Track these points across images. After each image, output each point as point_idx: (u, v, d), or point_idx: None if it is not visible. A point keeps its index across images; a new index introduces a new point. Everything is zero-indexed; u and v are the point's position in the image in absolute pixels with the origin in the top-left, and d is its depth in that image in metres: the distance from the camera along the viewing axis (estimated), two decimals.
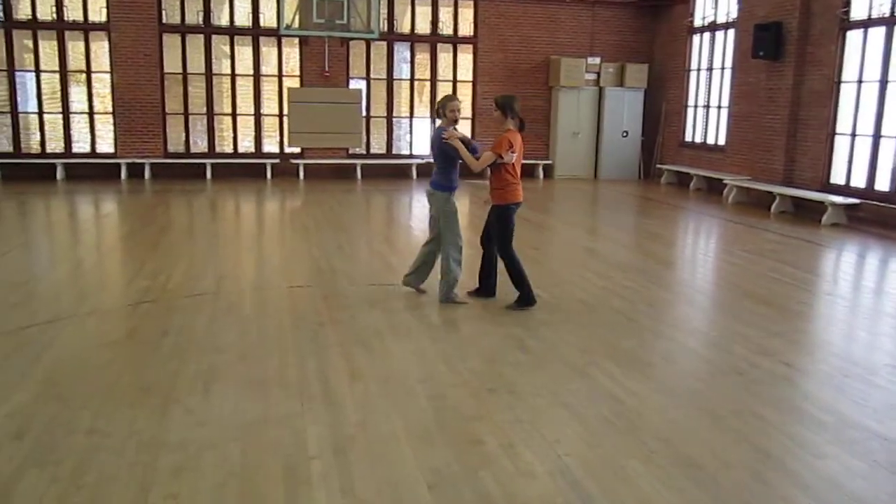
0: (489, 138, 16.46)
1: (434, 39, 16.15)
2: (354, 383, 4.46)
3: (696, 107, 15.67)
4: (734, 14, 14.11)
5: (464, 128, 16.58)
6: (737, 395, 4.47)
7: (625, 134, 16.69)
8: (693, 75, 15.71)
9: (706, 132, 15.32)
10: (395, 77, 16.21)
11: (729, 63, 14.36)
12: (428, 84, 16.40)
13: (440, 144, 6.12)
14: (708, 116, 15.26)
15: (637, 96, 16.59)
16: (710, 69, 15.13)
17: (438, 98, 6.70)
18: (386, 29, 15.64)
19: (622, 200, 13.79)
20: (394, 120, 16.37)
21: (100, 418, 3.90)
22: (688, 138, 15.94)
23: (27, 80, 14.92)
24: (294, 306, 6.11)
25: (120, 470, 3.37)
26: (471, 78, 16.42)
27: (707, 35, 15.18)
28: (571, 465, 3.53)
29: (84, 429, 3.77)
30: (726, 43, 14.54)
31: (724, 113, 14.48)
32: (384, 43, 15.83)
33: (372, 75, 16.05)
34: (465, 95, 16.45)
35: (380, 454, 3.59)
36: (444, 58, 16.36)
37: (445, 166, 6.23)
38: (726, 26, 14.48)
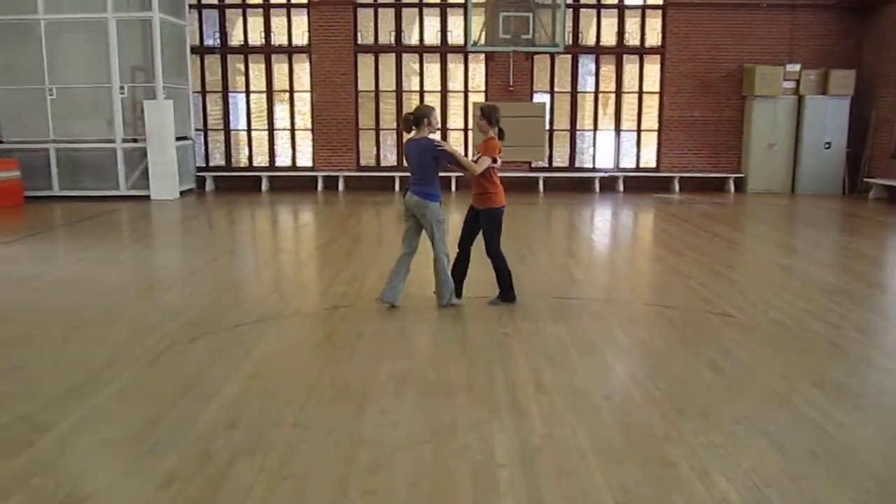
0: (673, 149, 15.99)
1: (620, 51, 15.90)
2: (540, 395, 4.46)
3: None
4: None
5: (650, 140, 16.20)
6: None
7: (827, 145, 15.51)
8: None
9: None
10: (579, 90, 16.12)
11: None
12: (613, 96, 16.15)
13: (434, 153, 6.09)
14: None
15: (842, 104, 15.37)
16: None
17: (412, 108, 6.40)
18: (571, 42, 15.61)
19: (823, 216, 12.81)
20: (577, 133, 16.26)
21: (303, 413, 4.17)
22: None
23: (238, 101, 16.39)
24: (480, 316, 6.22)
25: (321, 463, 3.59)
26: (657, 89, 15.99)
27: None
28: (772, 497, 3.31)
29: (289, 422, 4.04)
30: None
31: None
32: (569, 56, 15.80)
33: (556, 88, 16.07)
34: (650, 107, 16.06)
35: (567, 468, 3.56)
36: (630, 69, 16.06)
37: (432, 176, 6.18)
38: None
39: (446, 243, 6.33)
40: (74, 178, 14.51)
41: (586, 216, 12.91)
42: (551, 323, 6.00)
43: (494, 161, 6.29)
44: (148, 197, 14.24)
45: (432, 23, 15.88)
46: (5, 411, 4.21)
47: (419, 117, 6.17)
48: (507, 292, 6.53)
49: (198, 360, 5.13)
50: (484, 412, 4.19)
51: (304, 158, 16.36)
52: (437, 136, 6.41)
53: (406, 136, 6.40)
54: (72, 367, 4.96)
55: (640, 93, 16.10)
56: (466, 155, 6.52)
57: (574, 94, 16.12)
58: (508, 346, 5.40)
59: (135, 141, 14.46)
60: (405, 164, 6.40)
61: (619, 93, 16.12)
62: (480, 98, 15.90)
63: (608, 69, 16.10)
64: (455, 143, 16.35)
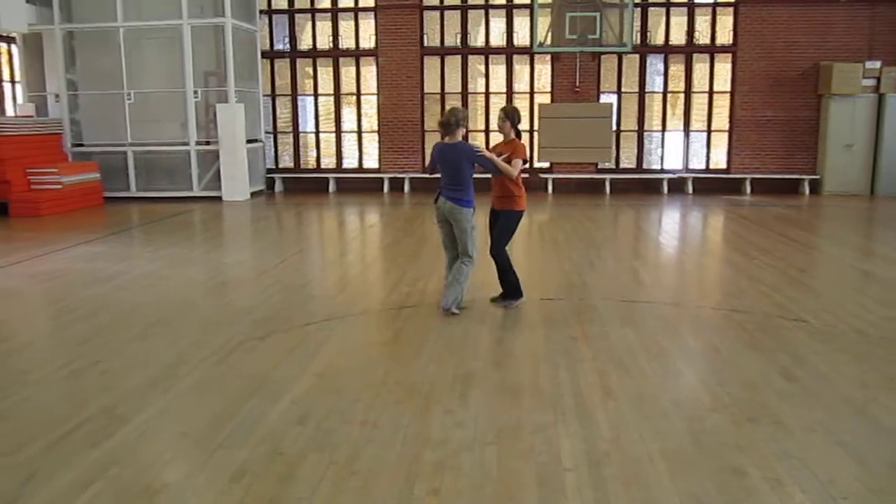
0: (745, 150, 15.57)
1: (690, 49, 15.58)
2: (607, 399, 4.41)
3: None
4: None
5: (721, 141, 15.84)
6: None
7: None
8: None
9: None
10: (646, 90, 15.87)
11: None
12: (682, 96, 15.85)
13: (473, 158, 5.93)
14: None
15: None
16: None
17: (448, 110, 6.09)
18: (639, 41, 15.39)
19: None
20: (645, 134, 16.02)
21: (370, 411, 4.22)
22: None
23: (307, 103, 16.70)
24: (546, 318, 6.18)
25: (388, 461, 3.63)
26: (728, 88, 15.61)
27: None
28: None
29: (357, 420, 4.10)
30: None
31: None
32: (636, 56, 15.57)
33: (623, 89, 15.86)
34: (721, 107, 15.71)
35: (635, 473, 3.52)
36: (700, 68, 15.73)
37: (468, 182, 6.00)
38: None
39: (478, 249, 6.22)
40: (150, 180, 15.05)
41: (654, 218, 12.70)
42: (619, 326, 5.93)
43: (525, 162, 6.23)
44: (220, 198, 14.64)
45: (498, 24, 15.87)
46: (87, 403, 4.39)
47: (459, 121, 5.99)
48: (516, 292, 6.44)
49: (268, 357, 5.24)
50: (550, 415, 4.17)
51: (371, 160, 16.55)
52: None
53: (438, 141, 6.20)
54: (148, 362, 5.14)
55: (711, 92, 15.75)
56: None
57: (642, 94, 15.87)
58: (575, 350, 5.36)
59: (207, 143, 14.87)
60: (438, 169, 6.18)
61: (688, 92, 15.80)
62: (546, 99, 15.82)
63: (677, 68, 15.81)
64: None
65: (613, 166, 16.03)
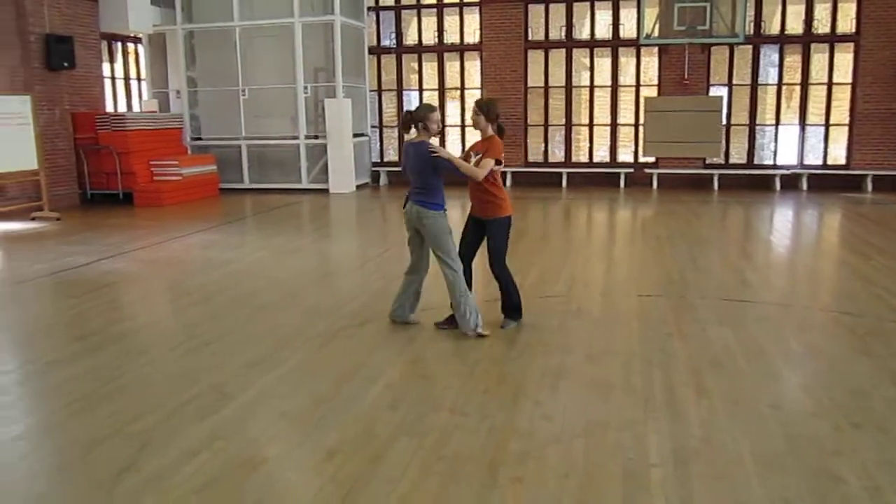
0: (866, 145, 14.73)
1: (807, 39, 14.87)
2: (700, 398, 4.33)
3: None
4: None
5: (840, 135, 15.05)
6: None
7: None
8: None
9: None
10: (759, 82, 15.26)
11: None
12: (798, 88, 15.15)
13: (429, 159, 5.39)
14: None
15: None
16: None
17: (416, 107, 5.42)
18: (752, 31, 14.82)
19: None
20: (757, 128, 15.42)
21: (459, 399, 4.32)
22: None
23: (412, 98, 16.97)
24: (642, 314, 6.11)
25: (474, 448, 3.71)
26: (849, 80, 14.80)
27: None
28: None
29: (446, 407, 4.21)
30: None
31: None
32: (749, 46, 15.00)
33: (734, 81, 15.32)
34: (841, 100, 14.94)
35: (723, 473, 3.46)
36: (819, 59, 14.99)
37: (433, 184, 5.49)
38: None
39: (455, 259, 5.62)
40: (262, 172, 15.70)
41: (764, 216, 12.22)
42: (717, 325, 5.79)
43: (498, 163, 5.61)
44: (326, 190, 15.11)
45: (604, 16, 15.64)
46: (198, 381, 4.69)
47: (416, 119, 5.47)
48: (515, 312, 5.81)
49: (365, 343, 5.43)
50: (639, 412, 4.14)
51: None
52: (435, 140, 5.79)
53: (407, 137, 5.78)
54: (254, 344, 5.43)
55: (830, 84, 14.98)
56: (466, 157, 5.88)
57: (754, 86, 15.28)
58: (670, 347, 5.28)
59: (316, 138, 15.38)
60: (405, 169, 5.71)
61: (805, 84, 15.09)
62: (652, 92, 15.48)
63: (793, 59, 15.12)
64: (624, 139, 16.04)
65: (722, 161, 15.53)
